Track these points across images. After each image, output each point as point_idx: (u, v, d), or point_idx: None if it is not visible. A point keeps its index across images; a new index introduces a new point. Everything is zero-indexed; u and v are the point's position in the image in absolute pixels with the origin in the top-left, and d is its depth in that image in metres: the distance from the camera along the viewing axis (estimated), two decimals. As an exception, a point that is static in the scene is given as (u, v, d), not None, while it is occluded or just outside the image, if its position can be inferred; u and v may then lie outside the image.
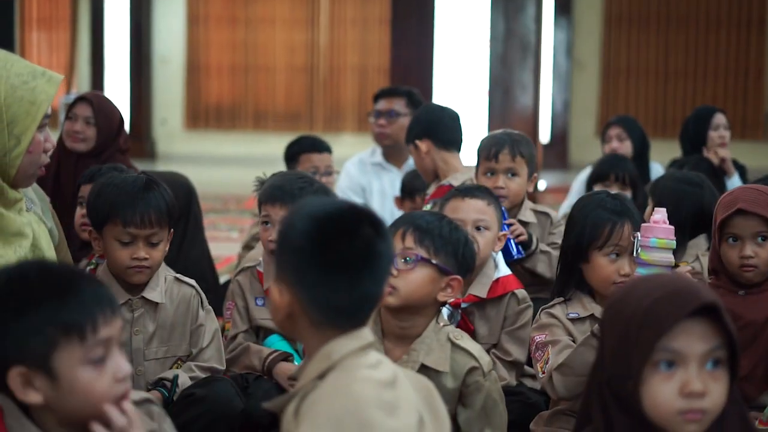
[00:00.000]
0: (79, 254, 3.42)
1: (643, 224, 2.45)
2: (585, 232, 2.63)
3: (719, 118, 5.24)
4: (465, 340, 2.53)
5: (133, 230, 2.63)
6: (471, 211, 3.00)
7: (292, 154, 4.56)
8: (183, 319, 2.76)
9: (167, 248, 2.73)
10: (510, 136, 3.60)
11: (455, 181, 3.63)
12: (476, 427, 2.50)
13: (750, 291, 2.70)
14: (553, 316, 2.63)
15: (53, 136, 2.37)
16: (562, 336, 2.59)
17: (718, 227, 2.70)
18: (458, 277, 2.49)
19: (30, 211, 2.29)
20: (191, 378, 2.72)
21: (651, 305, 1.59)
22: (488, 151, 3.53)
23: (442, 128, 3.91)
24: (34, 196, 2.35)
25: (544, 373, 2.55)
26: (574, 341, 2.58)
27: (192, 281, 2.83)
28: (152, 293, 2.72)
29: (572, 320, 2.62)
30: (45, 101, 2.22)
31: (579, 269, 2.65)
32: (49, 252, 2.26)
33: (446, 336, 2.51)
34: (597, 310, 2.61)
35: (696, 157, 4.90)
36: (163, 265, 2.78)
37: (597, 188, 4.30)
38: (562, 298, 2.67)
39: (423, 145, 3.85)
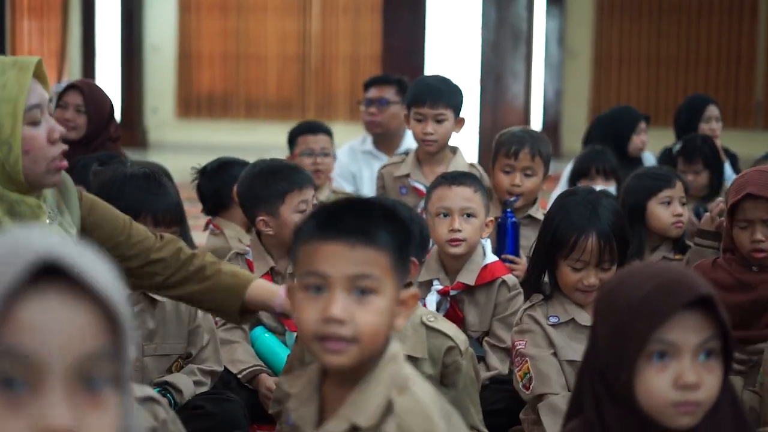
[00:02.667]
0: None
1: None
2: (555, 236, 2.60)
3: (711, 110, 5.26)
4: (439, 322, 2.55)
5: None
6: (458, 198, 3.00)
7: (291, 137, 4.59)
8: (182, 317, 2.75)
9: None
10: (531, 135, 3.59)
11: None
12: (462, 406, 2.52)
13: (764, 268, 2.73)
14: (534, 320, 2.63)
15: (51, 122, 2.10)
16: (542, 349, 2.60)
17: (729, 211, 2.70)
18: (414, 260, 2.52)
19: (54, 223, 2.11)
20: (195, 382, 2.73)
21: (645, 296, 1.58)
22: (509, 148, 3.52)
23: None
24: (55, 199, 2.16)
25: (526, 388, 2.58)
26: (554, 347, 2.60)
27: None
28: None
29: (553, 325, 2.62)
30: (21, 94, 2.01)
31: (552, 270, 2.64)
32: None
33: (419, 320, 2.51)
34: (577, 313, 2.61)
35: (701, 137, 4.86)
36: None
37: (581, 183, 4.33)
38: (541, 296, 2.67)
39: (461, 124, 3.88)
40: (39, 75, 2.07)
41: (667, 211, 3.36)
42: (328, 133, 4.57)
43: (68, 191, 2.22)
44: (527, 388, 2.59)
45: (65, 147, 2.11)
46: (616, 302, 1.62)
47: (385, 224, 1.63)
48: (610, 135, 5.16)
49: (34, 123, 2.04)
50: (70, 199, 2.21)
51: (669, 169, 3.70)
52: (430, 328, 2.50)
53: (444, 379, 2.52)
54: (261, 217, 3.12)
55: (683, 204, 3.46)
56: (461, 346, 2.51)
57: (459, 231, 2.97)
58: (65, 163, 2.12)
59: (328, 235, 1.59)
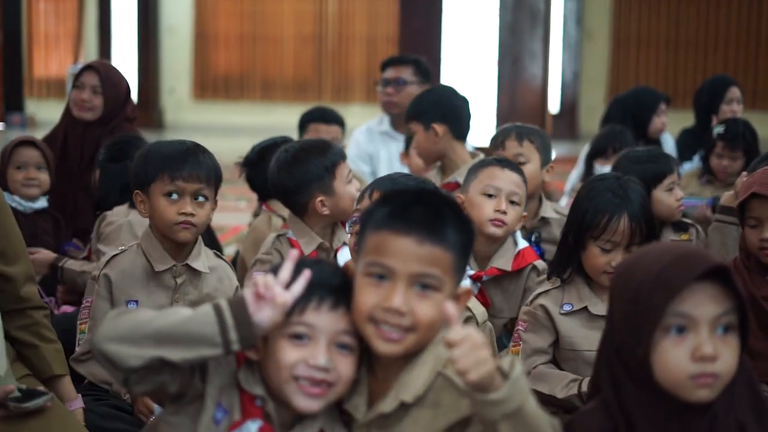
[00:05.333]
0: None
1: None
2: (585, 218, 2.61)
3: (733, 92, 5.21)
4: None
5: (180, 183, 2.62)
6: (509, 182, 2.99)
7: (302, 123, 4.58)
8: (225, 290, 2.76)
9: (212, 214, 2.73)
10: (516, 125, 3.59)
11: (461, 177, 3.44)
12: None
13: None
14: (544, 308, 2.63)
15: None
16: (538, 337, 2.62)
17: (738, 210, 2.70)
18: None
19: None
20: None
21: (660, 270, 1.58)
22: (495, 141, 3.54)
23: (462, 118, 3.83)
24: None
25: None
26: (557, 334, 2.61)
27: (225, 258, 2.86)
28: (196, 262, 2.71)
29: (565, 313, 2.61)
30: None
31: (578, 253, 2.64)
32: None
33: None
34: (591, 301, 2.60)
35: (742, 122, 4.78)
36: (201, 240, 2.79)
37: (597, 164, 4.30)
38: (559, 281, 2.67)
39: (440, 129, 3.73)
40: None
41: (672, 196, 3.34)
42: (341, 123, 4.55)
43: None
44: None
45: None
46: (632, 279, 1.62)
47: (453, 222, 1.69)
48: (629, 115, 5.12)
49: None
50: None
51: (660, 150, 3.64)
52: None
53: None
54: (319, 198, 3.07)
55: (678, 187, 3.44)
56: (478, 318, 2.52)
57: (505, 213, 2.95)
58: None
59: (398, 228, 1.66)
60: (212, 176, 2.67)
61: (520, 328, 2.66)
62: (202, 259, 2.73)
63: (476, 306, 2.56)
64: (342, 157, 3.13)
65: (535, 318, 2.63)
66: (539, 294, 2.67)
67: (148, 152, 2.70)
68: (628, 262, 1.69)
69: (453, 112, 3.80)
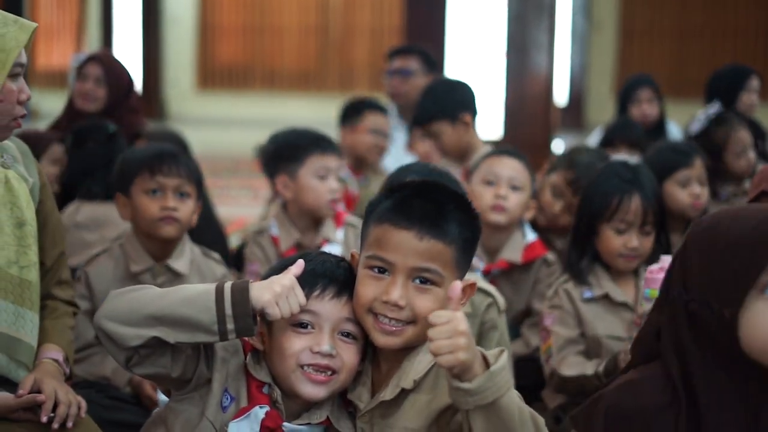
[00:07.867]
0: None
1: (646, 275, 2.38)
2: (595, 202, 2.60)
3: (755, 83, 5.16)
4: (479, 280, 2.51)
5: (161, 179, 2.62)
6: (506, 168, 2.97)
7: (355, 109, 4.48)
8: None
9: (196, 214, 2.70)
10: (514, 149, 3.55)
11: None
12: None
13: None
14: (568, 296, 2.62)
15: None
16: (568, 327, 2.60)
17: None
18: None
19: (9, 168, 2.16)
20: None
21: (757, 227, 1.47)
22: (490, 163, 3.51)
23: (475, 103, 3.82)
24: (17, 153, 2.23)
25: (547, 362, 2.61)
26: (584, 324, 2.59)
27: (217, 255, 2.81)
28: (176, 262, 2.68)
29: (587, 300, 2.59)
30: (15, 48, 2.09)
31: (592, 240, 2.62)
32: (28, 211, 2.13)
33: None
34: (610, 288, 2.60)
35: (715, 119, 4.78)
36: (189, 238, 2.75)
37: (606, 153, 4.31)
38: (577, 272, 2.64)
39: (468, 118, 3.72)
40: (28, 43, 2.15)
41: (684, 191, 3.23)
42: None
43: (28, 156, 2.29)
44: (548, 363, 2.62)
45: (25, 112, 2.18)
46: (719, 237, 1.50)
47: (455, 216, 1.70)
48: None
49: (14, 79, 2.11)
50: (29, 163, 2.27)
51: (689, 145, 3.58)
52: None
53: (479, 338, 2.49)
54: (280, 178, 3.09)
55: (702, 184, 3.32)
56: (500, 305, 2.50)
57: (504, 198, 2.92)
58: (20, 124, 2.20)
59: (399, 222, 1.70)
60: (192, 174, 2.68)
61: (547, 322, 2.63)
62: (185, 258, 2.70)
63: (497, 293, 2.53)
64: (324, 150, 3.10)
65: (561, 308, 2.62)
66: (560, 284, 2.66)
67: (127, 155, 2.73)
68: (711, 220, 1.56)
69: (471, 100, 3.79)
